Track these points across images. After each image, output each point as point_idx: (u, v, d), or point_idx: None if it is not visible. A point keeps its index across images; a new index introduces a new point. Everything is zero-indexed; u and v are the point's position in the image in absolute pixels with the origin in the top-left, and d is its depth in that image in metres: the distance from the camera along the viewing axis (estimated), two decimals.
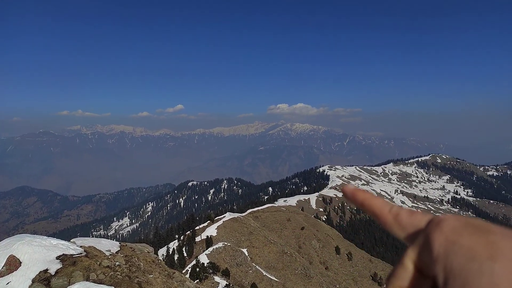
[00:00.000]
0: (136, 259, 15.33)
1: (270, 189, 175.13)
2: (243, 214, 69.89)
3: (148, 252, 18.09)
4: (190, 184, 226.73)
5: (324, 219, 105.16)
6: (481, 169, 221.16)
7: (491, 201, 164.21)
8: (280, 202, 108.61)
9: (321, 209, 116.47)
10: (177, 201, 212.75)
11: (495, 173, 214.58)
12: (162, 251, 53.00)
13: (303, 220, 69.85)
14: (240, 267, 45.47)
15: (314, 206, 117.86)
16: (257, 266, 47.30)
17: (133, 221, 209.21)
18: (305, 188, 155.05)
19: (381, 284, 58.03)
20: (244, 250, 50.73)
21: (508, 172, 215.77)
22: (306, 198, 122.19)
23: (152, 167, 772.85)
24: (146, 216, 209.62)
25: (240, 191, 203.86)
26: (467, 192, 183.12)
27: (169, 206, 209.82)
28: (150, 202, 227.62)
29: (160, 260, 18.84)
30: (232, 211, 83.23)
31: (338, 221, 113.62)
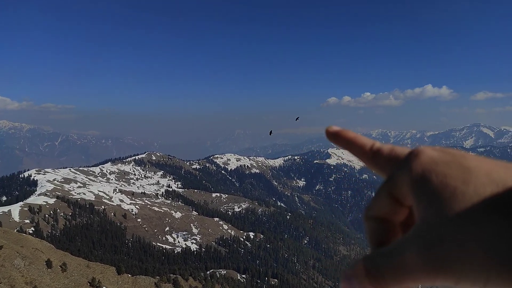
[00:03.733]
0: None
1: None
2: None
3: None
4: None
5: (31, 231, 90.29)
6: (187, 163, 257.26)
7: (196, 190, 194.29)
8: None
9: (27, 221, 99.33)
10: None
11: (198, 166, 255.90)
12: None
13: (2, 238, 56.99)
14: None
15: (17, 218, 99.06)
16: None
17: None
18: (5, 198, 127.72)
19: None
20: None
21: (207, 165, 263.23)
22: (6, 211, 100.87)
23: None
24: None
25: None
26: (177, 184, 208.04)
27: None
28: None
29: None
30: None
31: (49, 231, 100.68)
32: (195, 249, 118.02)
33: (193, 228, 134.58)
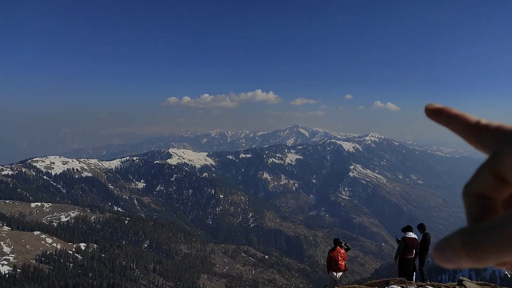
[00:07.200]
0: None
1: None
2: None
3: None
4: None
5: None
6: None
7: (8, 201, 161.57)
8: None
9: None
10: None
11: (11, 172, 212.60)
12: None
13: None
14: None
15: None
16: None
17: None
18: None
19: None
20: None
21: (24, 170, 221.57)
22: None
23: None
24: None
25: None
26: None
27: None
28: None
29: None
30: None
31: None
32: (7, 272, 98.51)
33: (5, 246, 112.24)
